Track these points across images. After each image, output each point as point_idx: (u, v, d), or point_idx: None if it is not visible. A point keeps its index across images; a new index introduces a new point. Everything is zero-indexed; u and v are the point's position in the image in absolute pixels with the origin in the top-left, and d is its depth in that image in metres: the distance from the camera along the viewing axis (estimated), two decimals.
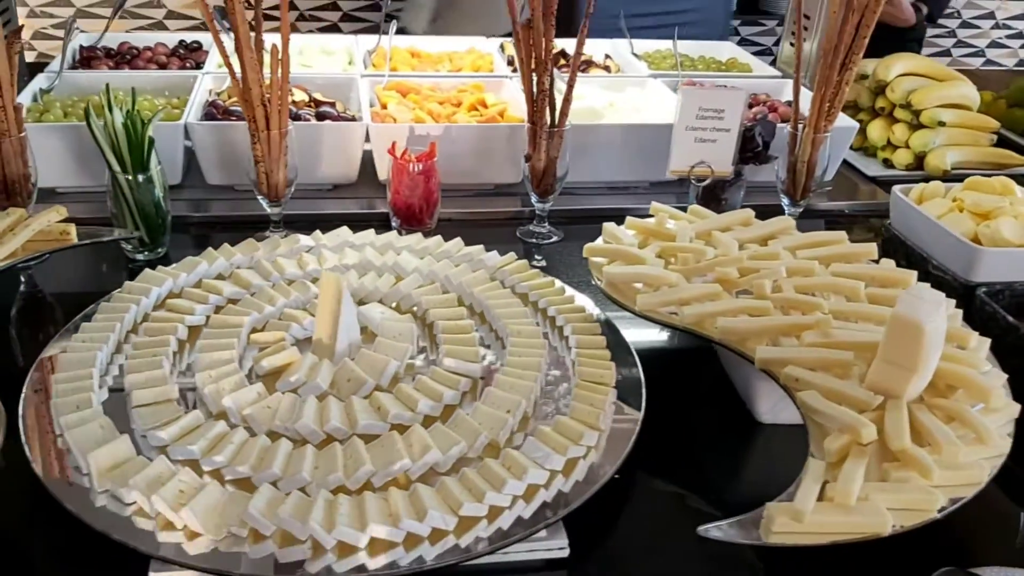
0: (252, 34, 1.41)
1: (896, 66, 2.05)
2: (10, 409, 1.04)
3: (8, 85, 1.38)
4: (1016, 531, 1.08)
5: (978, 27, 5.50)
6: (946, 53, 5.52)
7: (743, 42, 5.21)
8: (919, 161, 2.01)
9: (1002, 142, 2.14)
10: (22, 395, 1.07)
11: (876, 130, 2.07)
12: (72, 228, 1.33)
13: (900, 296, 1.01)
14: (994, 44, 5.62)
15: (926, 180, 1.64)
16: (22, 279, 1.47)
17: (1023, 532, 1.08)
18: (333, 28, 4.64)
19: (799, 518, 0.86)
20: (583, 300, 1.34)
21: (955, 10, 5.40)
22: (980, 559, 0.99)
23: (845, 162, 2.05)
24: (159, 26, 4.42)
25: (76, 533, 0.91)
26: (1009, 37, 5.62)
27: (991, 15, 5.51)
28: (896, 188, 1.55)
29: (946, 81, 2.06)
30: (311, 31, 4.63)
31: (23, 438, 1.01)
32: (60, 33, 3.87)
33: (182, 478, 0.93)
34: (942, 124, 1.98)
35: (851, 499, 0.88)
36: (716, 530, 0.88)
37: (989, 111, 2.24)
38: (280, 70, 1.43)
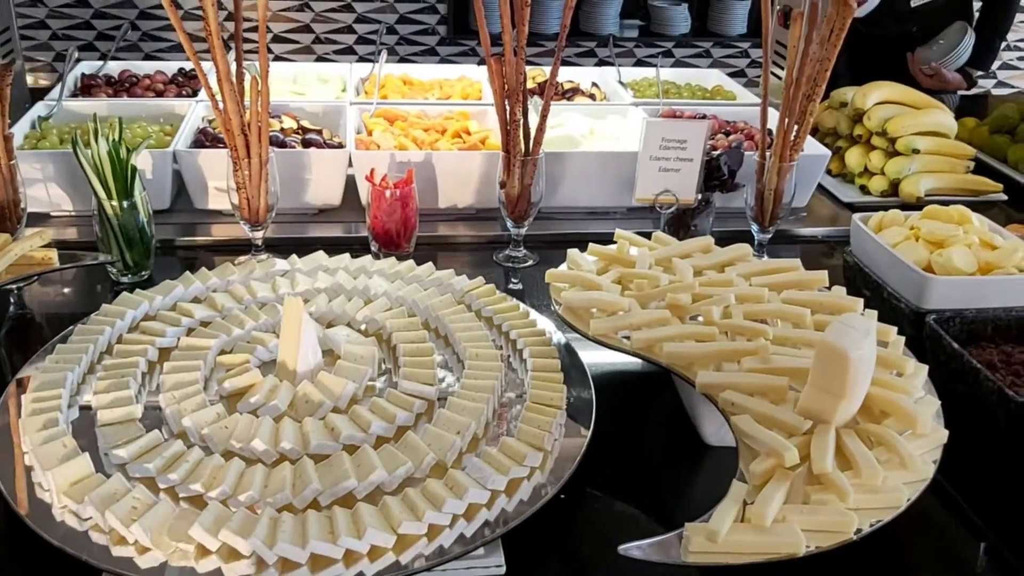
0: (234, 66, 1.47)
1: (874, 94, 2.09)
2: None
3: None
4: (935, 544, 1.12)
5: None
6: None
7: (752, 64, 5.25)
8: (894, 188, 2.04)
9: (981, 168, 2.17)
10: None
11: (854, 157, 2.10)
12: (54, 253, 1.40)
13: (830, 324, 1.05)
14: (1006, 66, 5.62)
15: (901, 207, 1.67)
16: (11, 300, 1.53)
17: (983, 559, 1.12)
18: (348, 51, 4.74)
19: (714, 538, 0.90)
20: (546, 324, 1.38)
21: None
22: (900, 573, 1.02)
23: (822, 188, 2.08)
24: (177, 49, 4.52)
25: (39, 546, 0.96)
26: (1021, 59, 5.62)
27: None
28: (856, 216, 1.59)
29: (922, 109, 2.09)
30: (327, 54, 4.73)
31: None
32: (83, 55, 3.97)
33: (136, 495, 0.98)
34: (916, 151, 2.01)
35: (766, 520, 0.92)
36: (636, 549, 0.92)
37: (972, 137, 2.27)
38: (260, 101, 1.49)
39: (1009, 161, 2.26)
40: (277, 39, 4.63)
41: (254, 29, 1.50)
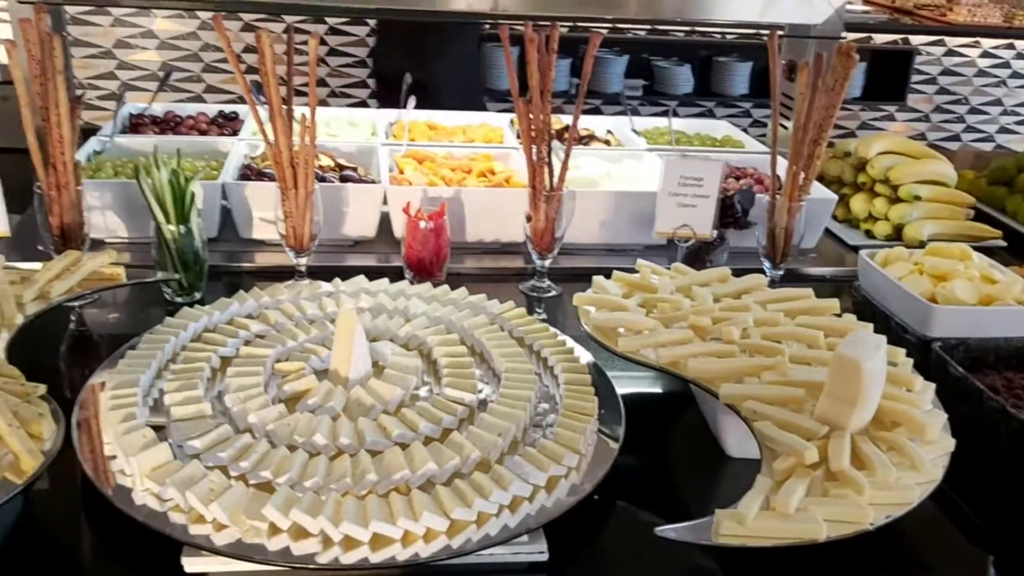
0: (284, 106, 1.59)
1: (876, 144, 2.22)
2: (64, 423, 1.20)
3: (70, 144, 1.57)
4: (944, 548, 1.21)
5: (987, 112, 5.71)
6: (955, 138, 5.73)
7: (755, 123, 5.44)
8: (898, 232, 2.15)
9: (980, 217, 2.29)
10: (74, 410, 1.23)
11: (858, 203, 2.22)
12: (122, 270, 1.51)
13: (844, 339, 1.16)
14: (1004, 130, 5.81)
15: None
16: (71, 318, 1.63)
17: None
18: (362, 104, 4.90)
19: (742, 522, 0.99)
20: (573, 345, 1.48)
21: (963, 96, 5.62)
22: (913, 571, 1.11)
23: (829, 232, 2.20)
24: (198, 99, 4.69)
25: (117, 525, 1.07)
26: (1017, 123, 5.81)
27: (999, 102, 5.71)
28: (863, 252, 1.70)
29: (922, 159, 2.22)
30: (340, 107, 4.90)
31: (76, 445, 1.16)
32: (105, 104, 4.13)
33: (212, 479, 1.07)
34: (918, 198, 2.13)
35: (790, 508, 1.01)
36: (671, 531, 1.01)
37: (971, 188, 2.39)
38: (308, 136, 1.61)
39: (1008, 210, 2.38)
40: (299, 92, 4.79)
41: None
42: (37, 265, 1.49)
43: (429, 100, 2.49)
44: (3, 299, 1.36)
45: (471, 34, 3.60)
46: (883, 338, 1.20)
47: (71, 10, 4.35)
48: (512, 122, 2.43)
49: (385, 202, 1.92)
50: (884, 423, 1.20)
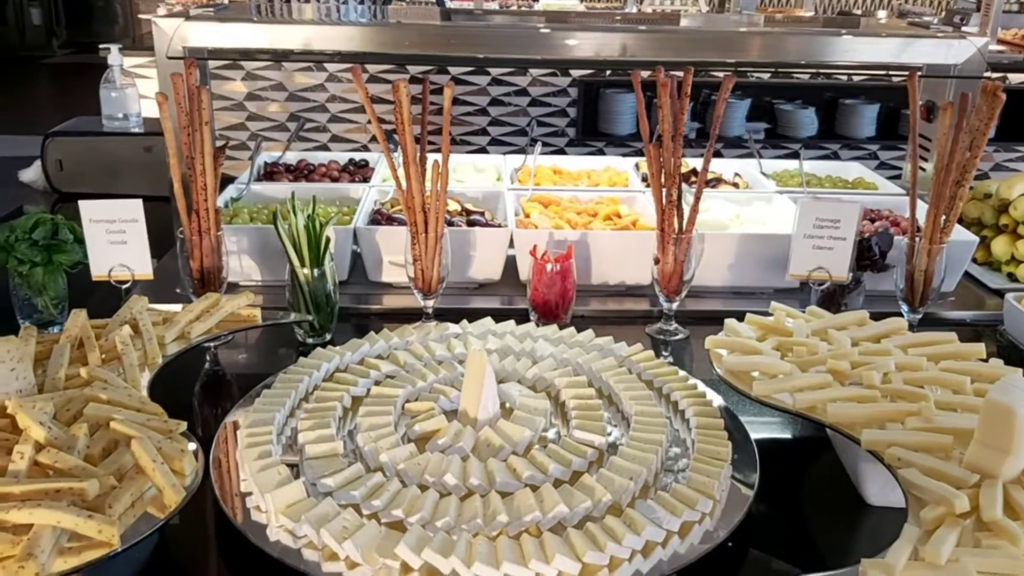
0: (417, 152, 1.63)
1: (1019, 185, 2.12)
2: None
3: (212, 191, 1.64)
4: None
5: None
6: None
7: (882, 166, 5.28)
8: None
9: None
10: (212, 448, 1.27)
11: (1000, 246, 2.12)
12: (257, 312, 1.56)
13: (995, 384, 1.09)
14: None
15: None
16: (207, 358, 1.70)
17: None
18: (481, 151, 4.99)
19: (891, 572, 0.94)
20: (704, 388, 1.45)
21: None
22: None
23: (969, 275, 2.10)
24: (324, 148, 4.86)
25: (251, 560, 1.09)
26: None
27: None
28: (1009, 295, 1.62)
29: None
30: (460, 154, 4.99)
31: (213, 481, 1.20)
32: (235, 154, 4.32)
33: (346, 517, 1.08)
34: None
35: (940, 559, 0.95)
36: None
37: None
38: (439, 182, 1.64)
39: None
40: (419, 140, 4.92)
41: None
42: (176, 307, 1.55)
43: None
44: (147, 340, 1.42)
45: None
46: None
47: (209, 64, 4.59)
48: (638, 166, 2.43)
49: (511, 245, 1.93)
50: None
